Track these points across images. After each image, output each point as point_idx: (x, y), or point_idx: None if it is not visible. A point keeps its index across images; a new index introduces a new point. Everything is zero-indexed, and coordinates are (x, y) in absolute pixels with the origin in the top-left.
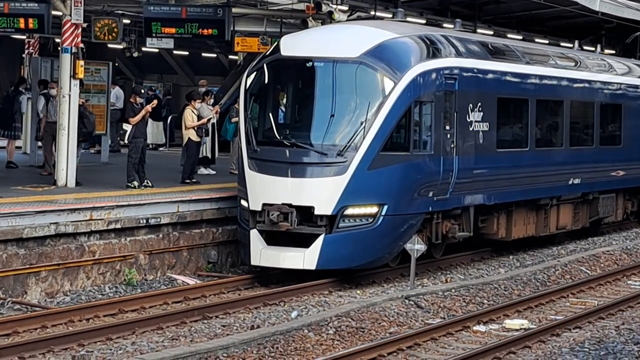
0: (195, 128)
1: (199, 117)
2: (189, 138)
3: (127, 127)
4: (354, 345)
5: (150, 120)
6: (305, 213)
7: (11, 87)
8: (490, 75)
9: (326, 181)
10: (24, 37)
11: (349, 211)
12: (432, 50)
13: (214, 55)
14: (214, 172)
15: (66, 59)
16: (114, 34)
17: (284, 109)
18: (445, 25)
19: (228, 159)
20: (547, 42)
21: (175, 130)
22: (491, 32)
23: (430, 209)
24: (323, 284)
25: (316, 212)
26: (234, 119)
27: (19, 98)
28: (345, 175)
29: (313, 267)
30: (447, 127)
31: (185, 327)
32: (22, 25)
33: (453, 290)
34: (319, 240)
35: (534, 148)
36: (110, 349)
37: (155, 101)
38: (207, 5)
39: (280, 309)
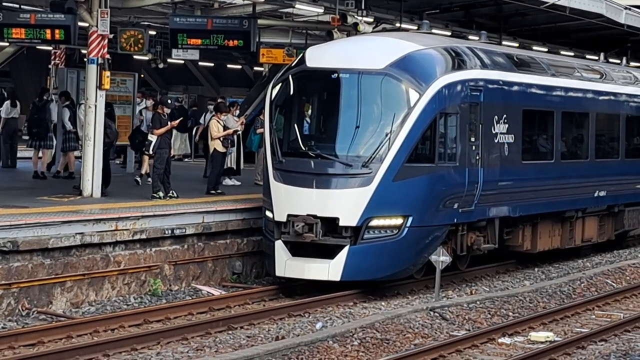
0: (221, 139)
1: (225, 128)
2: (215, 149)
3: (152, 138)
4: (378, 357)
5: (175, 132)
6: (330, 224)
7: (36, 97)
8: (515, 87)
9: (351, 192)
10: (50, 48)
11: (374, 222)
12: (458, 62)
13: (239, 66)
14: (239, 183)
15: (92, 69)
16: (139, 45)
17: (309, 120)
18: (470, 37)
19: (253, 170)
20: (572, 54)
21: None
22: (516, 44)
23: (455, 220)
24: (348, 296)
25: (341, 223)
26: (259, 130)
27: (48, 106)
28: (370, 186)
29: (338, 279)
30: (472, 139)
31: (210, 338)
32: (48, 36)
33: (478, 302)
34: (344, 252)
35: (559, 160)
36: (135, 359)
37: (181, 119)
38: (232, 16)
39: (304, 320)
